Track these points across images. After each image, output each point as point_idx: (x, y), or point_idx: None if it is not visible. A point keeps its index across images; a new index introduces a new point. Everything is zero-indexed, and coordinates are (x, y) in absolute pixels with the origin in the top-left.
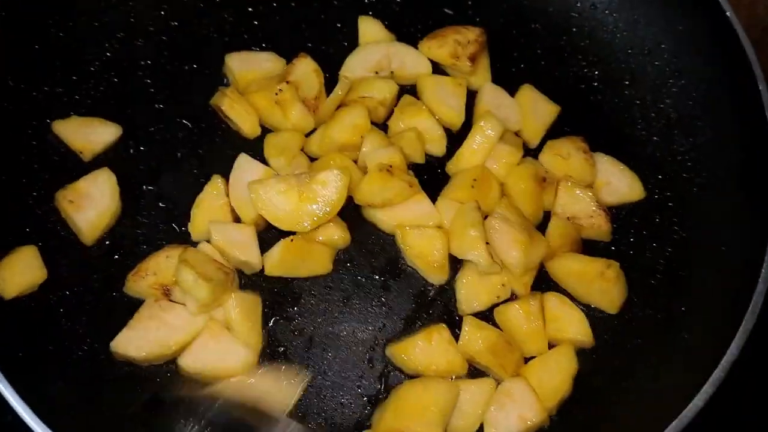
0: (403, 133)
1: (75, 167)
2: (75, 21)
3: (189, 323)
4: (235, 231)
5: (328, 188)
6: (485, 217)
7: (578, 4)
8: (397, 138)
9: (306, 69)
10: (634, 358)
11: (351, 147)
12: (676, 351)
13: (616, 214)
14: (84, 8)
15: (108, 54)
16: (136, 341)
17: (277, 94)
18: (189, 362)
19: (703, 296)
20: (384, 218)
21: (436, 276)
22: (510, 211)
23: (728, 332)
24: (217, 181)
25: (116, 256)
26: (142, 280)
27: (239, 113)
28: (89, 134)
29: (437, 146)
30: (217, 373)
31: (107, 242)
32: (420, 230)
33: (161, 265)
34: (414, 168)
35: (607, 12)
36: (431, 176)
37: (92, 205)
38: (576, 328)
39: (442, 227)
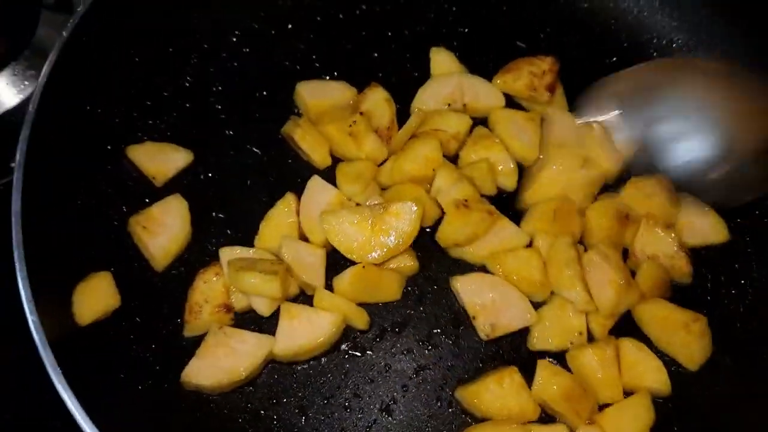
0: (474, 164)
1: (147, 192)
2: (150, 47)
3: (256, 347)
4: (306, 251)
5: (402, 220)
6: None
7: (654, 41)
8: (469, 169)
9: (378, 98)
10: (714, 408)
11: (422, 179)
12: (758, 401)
13: (694, 257)
14: (158, 35)
15: (181, 80)
16: (205, 370)
17: (351, 126)
18: (284, 347)
19: None
20: (473, 252)
21: (539, 294)
22: (610, 249)
23: None
24: (289, 198)
25: (186, 284)
26: (199, 315)
27: (311, 144)
28: (162, 160)
29: (509, 180)
30: (312, 347)
31: (177, 269)
32: (513, 253)
33: (207, 292)
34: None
35: (684, 50)
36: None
37: (165, 231)
38: (653, 377)
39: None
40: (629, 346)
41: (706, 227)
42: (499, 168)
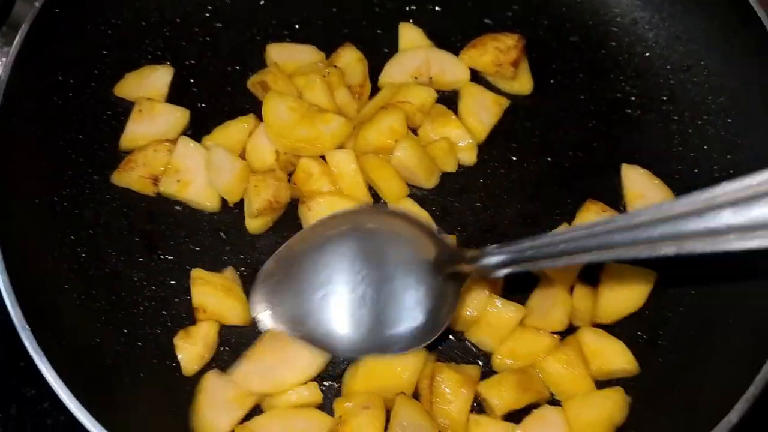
0: (435, 143)
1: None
2: (123, 20)
3: (312, 360)
4: (227, 159)
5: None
6: None
7: (618, 19)
8: (431, 147)
9: (351, 57)
10: (677, 380)
11: (385, 150)
12: (713, 370)
13: None
14: (131, 9)
15: (153, 54)
16: (256, 373)
17: (325, 76)
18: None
19: (737, 315)
20: None
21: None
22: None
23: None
24: (251, 119)
25: None
26: (132, 171)
27: (282, 88)
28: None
29: (468, 155)
30: None
31: None
32: None
33: (149, 157)
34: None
35: (647, 27)
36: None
37: None
38: (619, 359)
39: None
40: (589, 336)
41: (657, 200)
42: (459, 144)
